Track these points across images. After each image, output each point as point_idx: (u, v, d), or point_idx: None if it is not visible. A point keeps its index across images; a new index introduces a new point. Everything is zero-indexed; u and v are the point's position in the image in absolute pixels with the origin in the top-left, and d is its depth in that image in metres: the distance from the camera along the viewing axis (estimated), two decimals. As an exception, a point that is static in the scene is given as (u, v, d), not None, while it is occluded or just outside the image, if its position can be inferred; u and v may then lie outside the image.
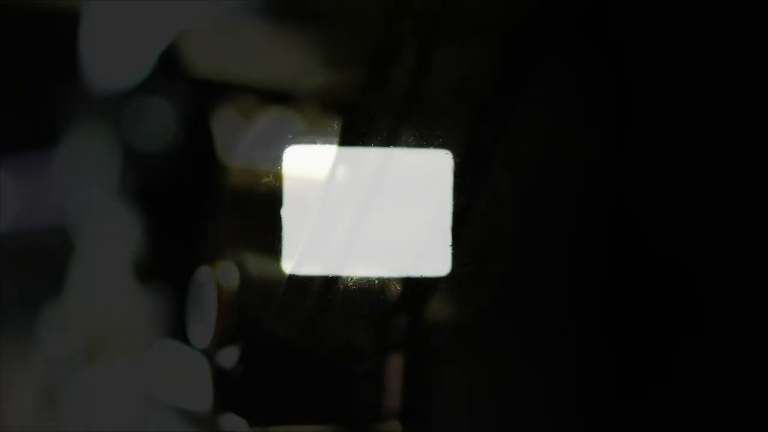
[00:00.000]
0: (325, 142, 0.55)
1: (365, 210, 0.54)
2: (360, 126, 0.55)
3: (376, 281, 0.55)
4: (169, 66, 0.68)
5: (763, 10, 0.60)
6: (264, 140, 0.60)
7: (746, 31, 0.60)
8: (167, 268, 0.69)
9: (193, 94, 0.66)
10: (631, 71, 0.62)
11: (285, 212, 0.54)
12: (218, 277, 0.58)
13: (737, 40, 0.60)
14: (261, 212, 0.56)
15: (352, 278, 0.55)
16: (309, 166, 0.55)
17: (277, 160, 0.55)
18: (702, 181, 0.61)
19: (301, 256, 0.54)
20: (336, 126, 0.55)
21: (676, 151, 0.61)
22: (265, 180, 0.56)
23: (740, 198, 0.61)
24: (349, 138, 0.54)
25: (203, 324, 0.59)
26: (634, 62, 0.61)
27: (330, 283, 0.55)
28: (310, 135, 0.56)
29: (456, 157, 0.55)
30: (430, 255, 0.55)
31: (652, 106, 0.62)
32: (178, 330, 0.64)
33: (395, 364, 0.59)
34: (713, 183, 0.61)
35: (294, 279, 0.54)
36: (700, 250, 0.61)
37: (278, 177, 0.55)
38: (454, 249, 0.55)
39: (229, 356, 0.59)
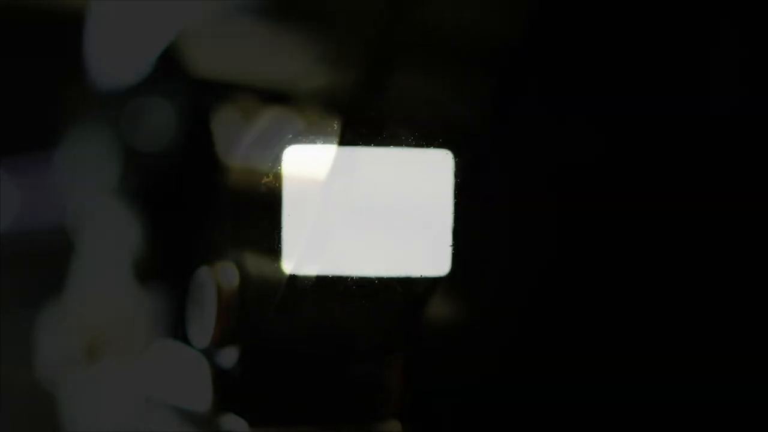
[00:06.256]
0: (325, 142, 0.55)
1: (365, 210, 0.54)
2: (360, 126, 0.55)
3: (376, 281, 0.55)
4: (169, 66, 0.68)
5: (761, 11, 0.60)
6: (264, 140, 0.60)
7: (745, 29, 0.60)
8: (167, 268, 0.69)
9: (193, 94, 0.66)
10: (631, 71, 0.62)
11: (285, 212, 0.54)
12: (218, 277, 0.58)
13: (736, 38, 0.60)
14: (261, 212, 0.56)
15: (352, 278, 0.55)
16: (309, 166, 0.55)
17: (277, 160, 0.55)
18: (702, 180, 0.61)
19: (301, 256, 0.54)
20: (336, 126, 0.55)
21: (677, 150, 0.61)
22: (265, 180, 0.56)
23: (741, 196, 0.61)
24: (349, 138, 0.54)
25: (203, 324, 0.59)
26: (635, 61, 0.61)
27: (330, 283, 0.55)
28: (310, 135, 0.56)
29: (456, 157, 0.55)
30: (430, 255, 0.55)
31: (652, 106, 0.62)
32: (178, 330, 0.64)
33: (395, 364, 0.59)
34: (713, 182, 0.61)
35: (294, 279, 0.54)
36: (700, 249, 0.61)
37: (278, 177, 0.55)
38: (454, 249, 0.55)
39: (229, 356, 0.59)
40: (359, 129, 0.54)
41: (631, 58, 0.61)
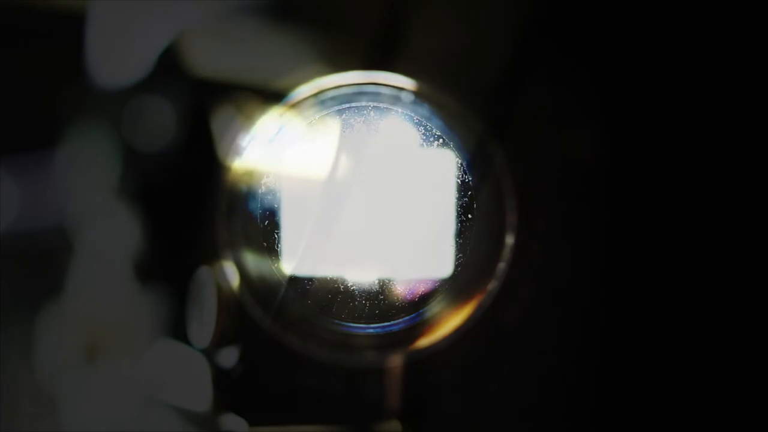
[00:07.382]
0: (325, 142, 0.55)
1: (366, 210, 0.54)
2: (360, 125, 0.55)
3: (377, 281, 0.55)
4: (169, 66, 0.68)
5: (760, 11, 0.60)
6: (263, 140, 0.60)
7: (744, 30, 0.60)
8: (167, 268, 0.69)
9: (193, 94, 0.66)
10: (631, 70, 0.62)
11: (285, 212, 0.54)
12: (218, 277, 0.58)
13: (734, 39, 0.60)
14: (260, 212, 0.56)
15: (352, 279, 0.55)
16: (309, 166, 0.55)
17: (277, 160, 0.55)
18: (702, 180, 0.61)
19: (301, 256, 0.54)
20: (335, 126, 0.55)
21: (677, 150, 0.61)
22: (265, 180, 0.56)
23: (741, 196, 0.61)
24: (349, 138, 0.54)
25: (203, 324, 0.59)
26: (635, 61, 0.61)
27: (330, 283, 0.55)
28: (309, 134, 0.56)
29: (458, 156, 0.55)
30: (433, 255, 0.55)
31: (652, 106, 0.62)
32: (178, 330, 0.64)
33: (395, 364, 0.59)
34: (714, 182, 0.61)
35: (294, 279, 0.54)
36: (701, 249, 0.61)
37: (278, 177, 0.55)
38: (456, 249, 0.55)
39: (229, 356, 0.59)
40: (359, 128, 0.54)
41: (635, 57, 0.61)
